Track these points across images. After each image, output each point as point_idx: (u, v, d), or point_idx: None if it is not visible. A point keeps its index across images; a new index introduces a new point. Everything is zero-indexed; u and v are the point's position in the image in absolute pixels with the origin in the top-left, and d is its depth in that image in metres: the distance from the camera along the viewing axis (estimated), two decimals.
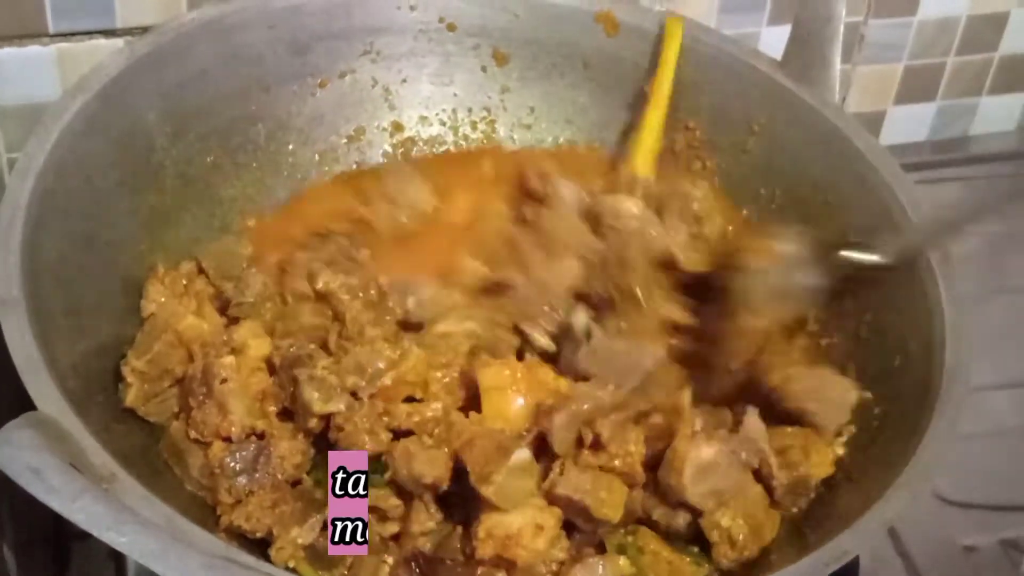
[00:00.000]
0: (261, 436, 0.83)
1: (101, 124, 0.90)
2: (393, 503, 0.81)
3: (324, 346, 0.87)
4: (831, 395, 0.89)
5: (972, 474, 1.05)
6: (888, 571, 0.99)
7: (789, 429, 0.88)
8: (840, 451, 0.88)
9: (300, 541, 0.78)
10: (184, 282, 0.92)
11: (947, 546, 1.02)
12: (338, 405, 0.82)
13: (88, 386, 0.80)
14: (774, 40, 1.17)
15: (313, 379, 0.82)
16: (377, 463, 0.82)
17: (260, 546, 0.79)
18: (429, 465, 0.80)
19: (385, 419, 0.83)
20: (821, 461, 0.86)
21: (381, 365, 0.83)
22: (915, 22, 1.32)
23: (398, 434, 0.83)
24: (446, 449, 0.81)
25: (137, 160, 0.94)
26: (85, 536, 0.63)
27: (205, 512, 0.81)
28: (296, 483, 0.82)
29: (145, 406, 0.84)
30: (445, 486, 0.81)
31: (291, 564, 0.78)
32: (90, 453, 0.70)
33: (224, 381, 0.83)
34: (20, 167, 0.84)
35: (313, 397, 0.82)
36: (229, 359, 0.84)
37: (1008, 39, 1.36)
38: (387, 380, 0.83)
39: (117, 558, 0.92)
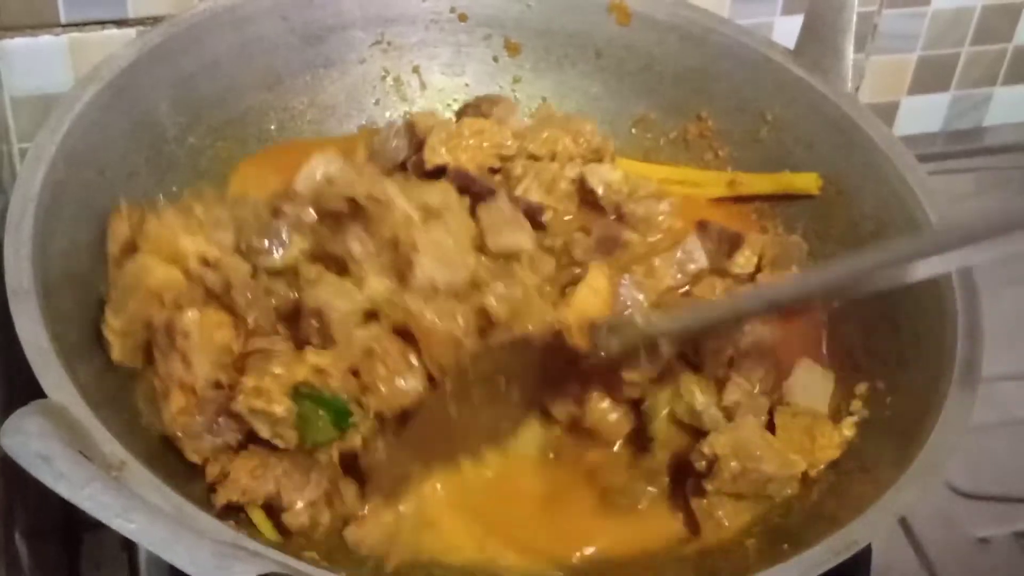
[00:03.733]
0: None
1: (113, 114, 0.91)
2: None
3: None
4: None
5: (986, 466, 1.05)
6: (901, 563, 0.99)
7: (795, 411, 0.88)
8: (848, 432, 0.88)
9: (310, 497, 0.78)
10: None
11: (961, 538, 1.02)
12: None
13: (99, 375, 0.80)
14: (787, 30, 1.16)
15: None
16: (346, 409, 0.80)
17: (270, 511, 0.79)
18: None
19: None
20: (827, 444, 0.87)
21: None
22: (929, 12, 1.31)
23: None
24: None
25: (149, 151, 0.94)
26: (97, 526, 0.63)
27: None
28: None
29: (129, 356, 0.82)
30: None
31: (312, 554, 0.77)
32: (100, 441, 0.70)
33: (187, 336, 0.80)
34: (31, 157, 0.84)
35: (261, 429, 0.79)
36: (192, 313, 0.81)
37: (1023, 29, 1.36)
38: None
39: (129, 548, 0.93)
